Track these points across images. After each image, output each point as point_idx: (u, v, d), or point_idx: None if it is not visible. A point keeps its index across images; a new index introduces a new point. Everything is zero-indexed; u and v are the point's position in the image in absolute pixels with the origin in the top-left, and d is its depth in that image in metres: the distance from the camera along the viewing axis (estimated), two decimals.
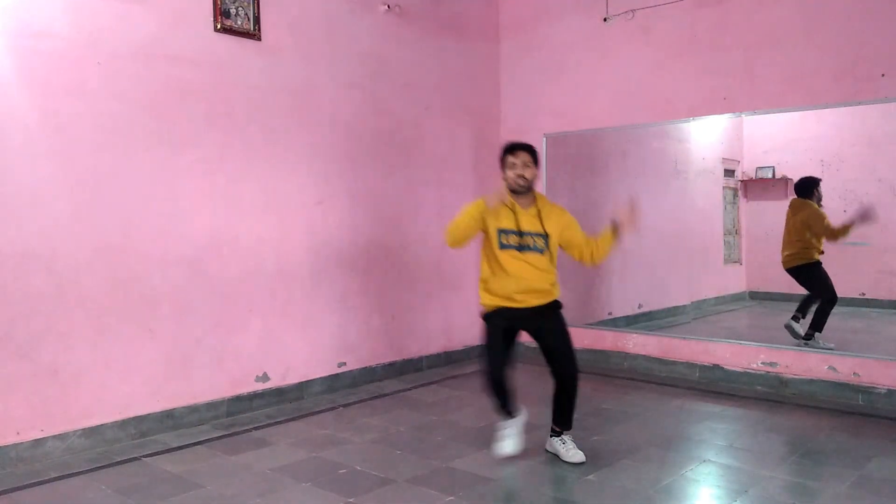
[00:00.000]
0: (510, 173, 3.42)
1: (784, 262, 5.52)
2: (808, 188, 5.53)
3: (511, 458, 3.55)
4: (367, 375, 5.19)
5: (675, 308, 6.14)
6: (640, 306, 6.20)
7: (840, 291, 5.38)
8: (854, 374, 4.55)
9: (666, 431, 4.00)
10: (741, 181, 6.16)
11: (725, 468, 3.43)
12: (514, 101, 6.26)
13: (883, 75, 4.41)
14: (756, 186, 6.00)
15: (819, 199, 5.54)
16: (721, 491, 3.17)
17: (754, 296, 6.25)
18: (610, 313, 6.17)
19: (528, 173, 3.41)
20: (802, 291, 5.51)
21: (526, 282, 3.40)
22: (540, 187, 6.01)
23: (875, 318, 5.42)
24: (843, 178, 5.53)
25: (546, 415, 3.64)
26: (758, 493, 3.09)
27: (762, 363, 4.93)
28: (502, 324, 3.49)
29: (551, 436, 3.59)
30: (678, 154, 6.01)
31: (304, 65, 4.75)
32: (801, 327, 5.28)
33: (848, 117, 5.07)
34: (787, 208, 5.58)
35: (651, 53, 5.42)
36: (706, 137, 5.92)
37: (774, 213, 5.84)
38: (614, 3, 5.55)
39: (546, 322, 3.49)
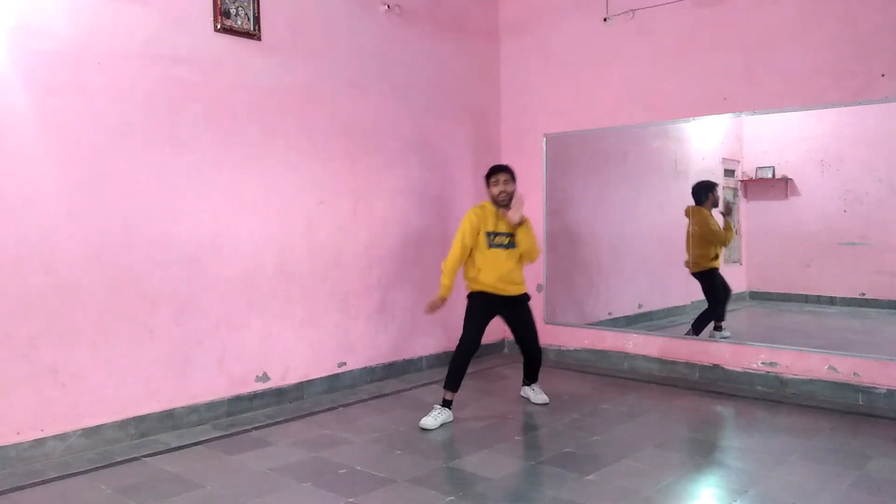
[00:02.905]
0: (494, 190, 4.37)
1: (689, 266, 5.66)
2: (698, 194, 5.54)
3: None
4: (367, 375, 5.19)
5: (675, 308, 6.13)
6: (640, 306, 6.20)
7: (840, 291, 5.37)
8: (854, 374, 4.55)
9: (666, 431, 4.00)
10: (741, 181, 6.14)
11: (725, 468, 3.43)
12: (514, 101, 6.26)
13: (883, 75, 4.42)
14: (756, 186, 5.97)
15: (714, 204, 5.53)
16: (721, 491, 3.17)
17: (754, 296, 6.23)
18: (610, 313, 6.16)
19: (508, 188, 4.36)
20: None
21: (508, 272, 4.33)
22: (540, 187, 6.08)
23: (875, 318, 5.40)
24: (843, 178, 5.50)
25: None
26: (758, 493, 3.09)
27: (762, 363, 4.93)
28: (484, 305, 4.35)
29: (523, 385, 4.68)
30: (678, 154, 5.99)
31: (304, 65, 4.75)
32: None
33: (848, 117, 5.05)
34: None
35: (651, 53, 5.42)
36: (706, 137, 5.91)
37: (775, 213, 5.83)
38: (614, 3, 5.55)
39: (517, 312, 4.46)
